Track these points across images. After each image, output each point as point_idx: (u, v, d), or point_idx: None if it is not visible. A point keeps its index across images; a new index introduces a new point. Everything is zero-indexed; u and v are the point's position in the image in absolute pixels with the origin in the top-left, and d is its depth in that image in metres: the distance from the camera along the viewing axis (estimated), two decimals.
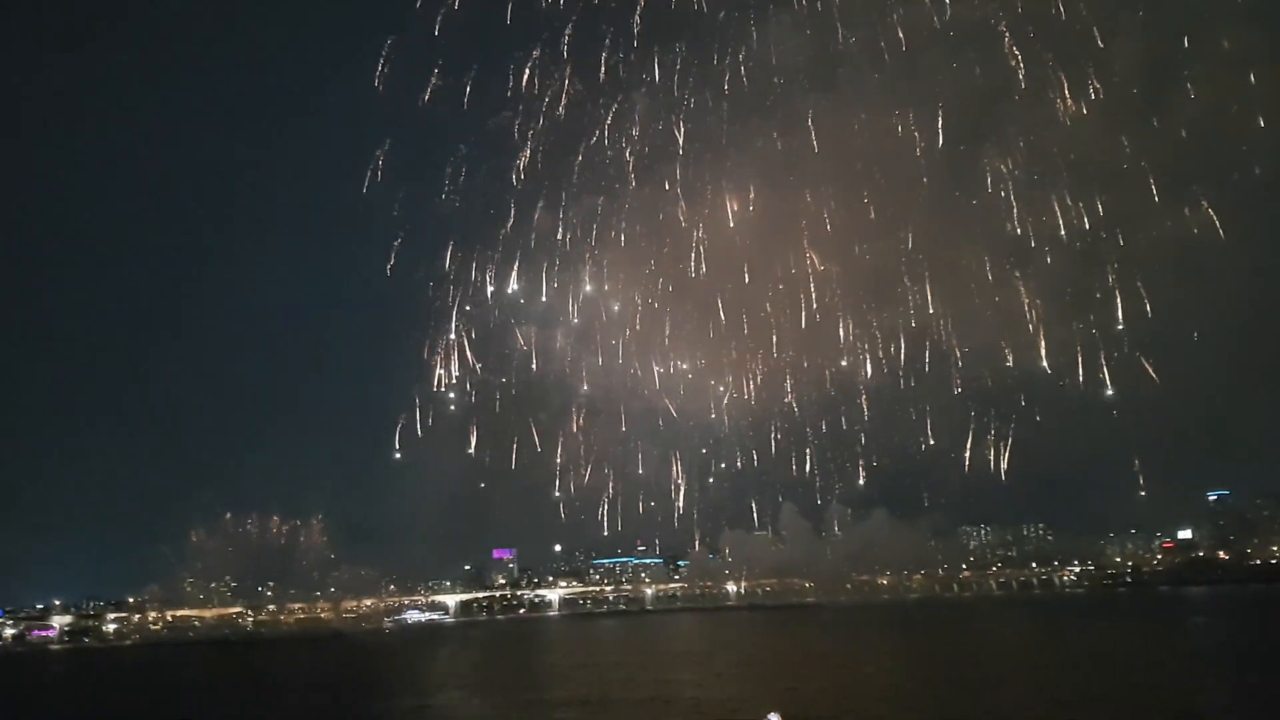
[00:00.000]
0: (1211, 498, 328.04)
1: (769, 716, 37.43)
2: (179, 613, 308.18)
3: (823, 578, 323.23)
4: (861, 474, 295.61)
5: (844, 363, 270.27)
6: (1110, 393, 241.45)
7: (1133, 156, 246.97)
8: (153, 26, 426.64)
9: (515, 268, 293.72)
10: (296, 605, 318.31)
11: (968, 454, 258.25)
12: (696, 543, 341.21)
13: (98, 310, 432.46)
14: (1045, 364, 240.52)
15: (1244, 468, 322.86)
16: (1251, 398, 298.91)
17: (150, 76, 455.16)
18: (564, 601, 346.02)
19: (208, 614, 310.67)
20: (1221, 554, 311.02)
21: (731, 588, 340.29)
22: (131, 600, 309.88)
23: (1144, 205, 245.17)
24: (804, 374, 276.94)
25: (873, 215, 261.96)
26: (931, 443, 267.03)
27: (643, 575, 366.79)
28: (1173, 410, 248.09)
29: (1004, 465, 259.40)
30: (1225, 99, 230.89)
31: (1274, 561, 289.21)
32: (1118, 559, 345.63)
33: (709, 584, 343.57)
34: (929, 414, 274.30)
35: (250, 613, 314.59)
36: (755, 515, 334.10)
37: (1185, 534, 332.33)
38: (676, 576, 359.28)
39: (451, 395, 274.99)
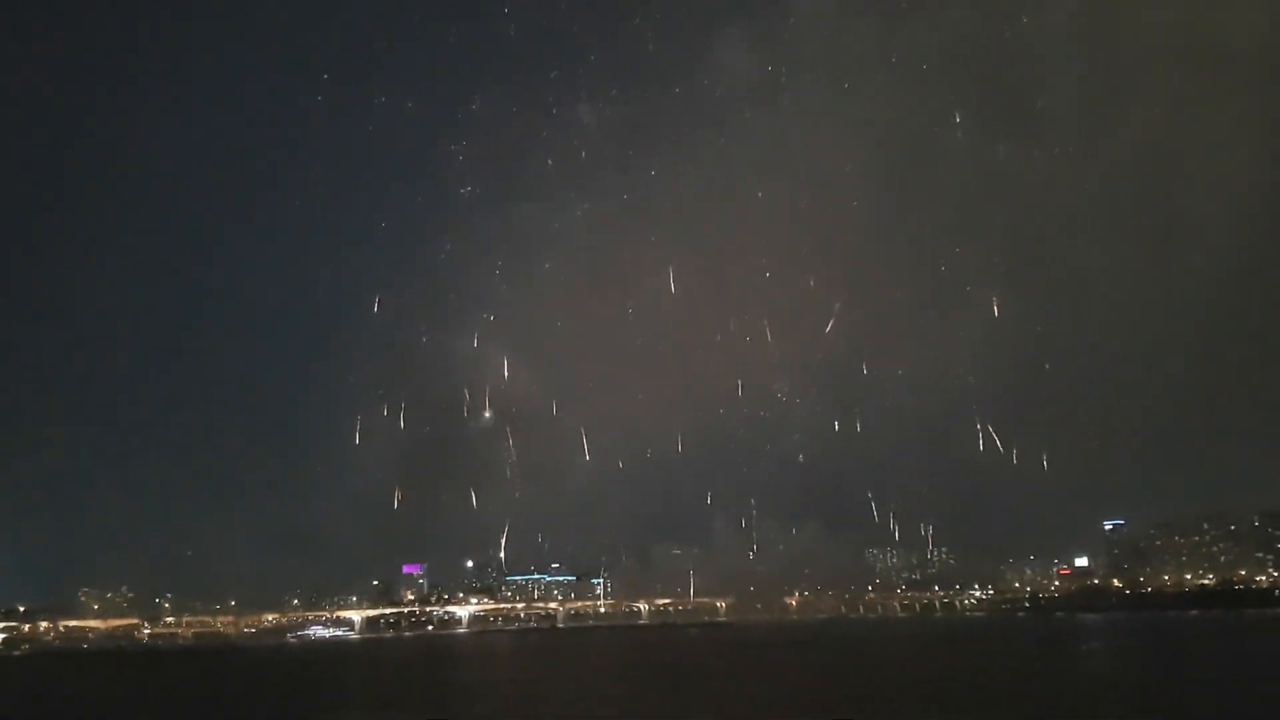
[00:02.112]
0: (1107, 526, 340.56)
1: None
2: (71, 623, 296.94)
3: (739, 597, 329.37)
4: (789, 511, 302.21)
5: (780, 398, 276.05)
6: (1035, 434, 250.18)
7: (1062, 204, 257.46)
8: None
9: (449, 296, 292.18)
10: (196, 618, 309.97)
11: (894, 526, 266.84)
12: (622, 557, 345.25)
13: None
14: (973, 409, 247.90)
15: (1138, 498, 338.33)
16: (1152, 434, 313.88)
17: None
18: (474, 618, 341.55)
19: (102, 625, 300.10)
20: (1115, 581, 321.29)
21: (644, 606, 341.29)
22: (23, 609, 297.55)
23: (1070, 252, 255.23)
24: (738, 409, 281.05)
25: (810, 266, 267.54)
26: (868, 496, 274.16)
27: (555, 592, 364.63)
28: (1088, 446, 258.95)
29: (930, 532, 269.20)
30: (1158, 149, 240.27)
31: (1166, 590, 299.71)
32: (1016, 584, 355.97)
33: (626, 602, 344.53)
34: (857, 456, 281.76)
35: (147, 625, 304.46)
36: (679, 535, 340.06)
37: (1081, 561, 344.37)
38: (590, 595, 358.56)
39: (368, 424, 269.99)
